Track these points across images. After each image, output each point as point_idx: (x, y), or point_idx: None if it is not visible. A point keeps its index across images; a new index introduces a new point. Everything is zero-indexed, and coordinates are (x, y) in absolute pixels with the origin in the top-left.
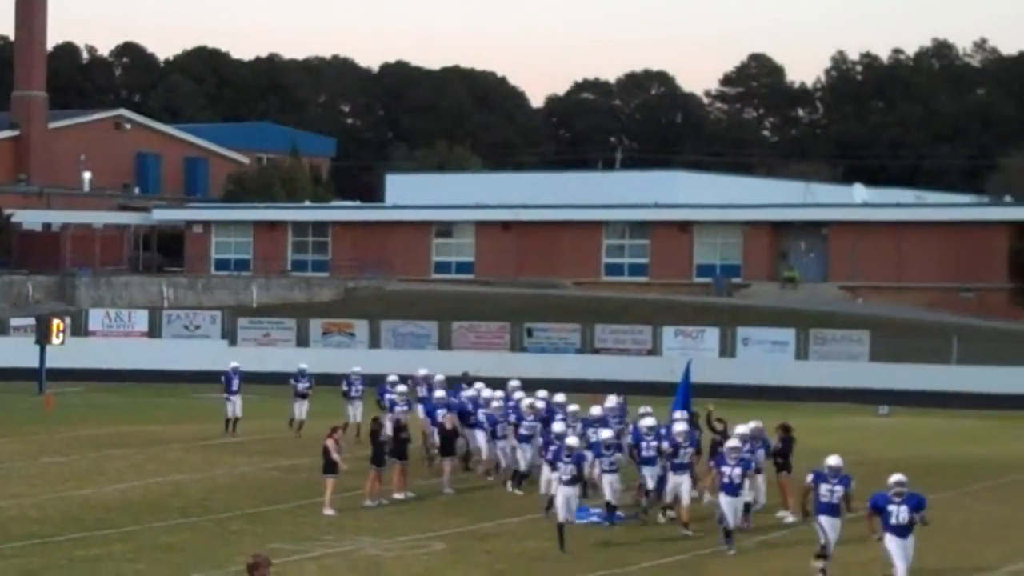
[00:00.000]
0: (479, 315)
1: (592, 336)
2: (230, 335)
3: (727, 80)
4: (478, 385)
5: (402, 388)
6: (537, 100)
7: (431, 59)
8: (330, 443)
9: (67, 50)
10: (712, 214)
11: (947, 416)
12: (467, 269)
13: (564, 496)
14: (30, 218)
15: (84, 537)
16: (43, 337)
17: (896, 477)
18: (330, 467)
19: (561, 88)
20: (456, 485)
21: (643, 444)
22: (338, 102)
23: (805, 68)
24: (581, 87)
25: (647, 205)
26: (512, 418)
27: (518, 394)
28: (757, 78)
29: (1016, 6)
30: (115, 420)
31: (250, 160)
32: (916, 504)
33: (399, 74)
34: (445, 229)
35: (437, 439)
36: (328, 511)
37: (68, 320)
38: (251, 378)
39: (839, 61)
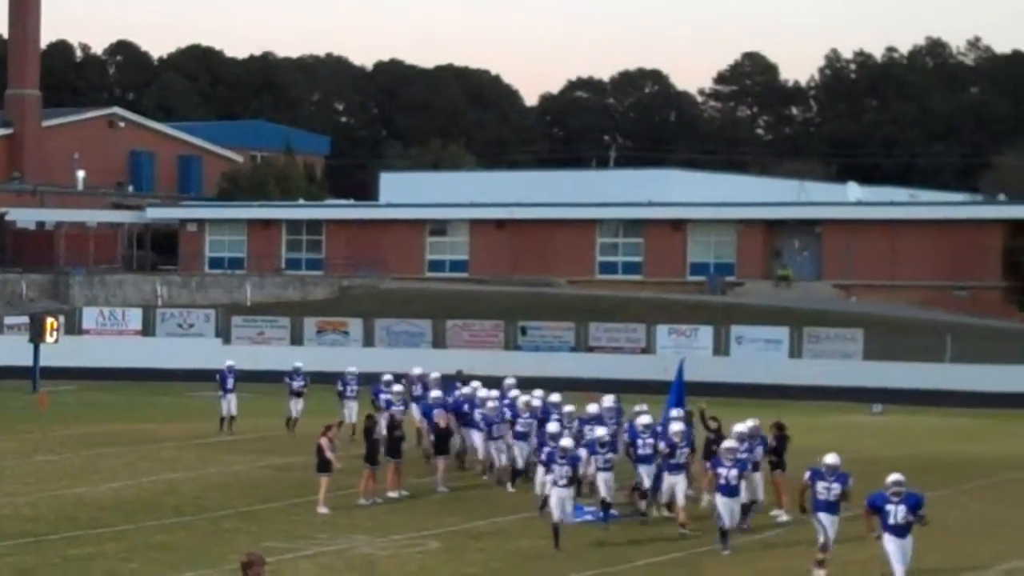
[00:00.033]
0: (473, 313)
1: (586, 334)
2: (224, 333)
3: (721, 78)
4: (474, 384)
5: (398, 388)
6: (531, 98)
7: (425, 57)
8: (324, 441)
9: (61, 48)
10: (706, 212)
11: (941, 414)
12: (461, 267)
13: (558, 498)
14: (24, 216)
15: (78, 536)
16: (37, 336)
17: (894, 477)
18: (324, 465)
19: (555, 86)
20: (450, 484)
21: (639, 442)
22: (332, 100)
23: (799, 66)
24: (575, 85)
25: (641, 203)
26: (508, 415)
27: (513, 392)
28: (751, 76)
29: (1009, 5)
30: (109, 418)
31: (244, 158)
32: (915, 503)
33: (393, 72)
34: (439, 227)
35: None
36: (322, 509)
37: (62, 319)
38: (245, 376)
39: (833, 59)
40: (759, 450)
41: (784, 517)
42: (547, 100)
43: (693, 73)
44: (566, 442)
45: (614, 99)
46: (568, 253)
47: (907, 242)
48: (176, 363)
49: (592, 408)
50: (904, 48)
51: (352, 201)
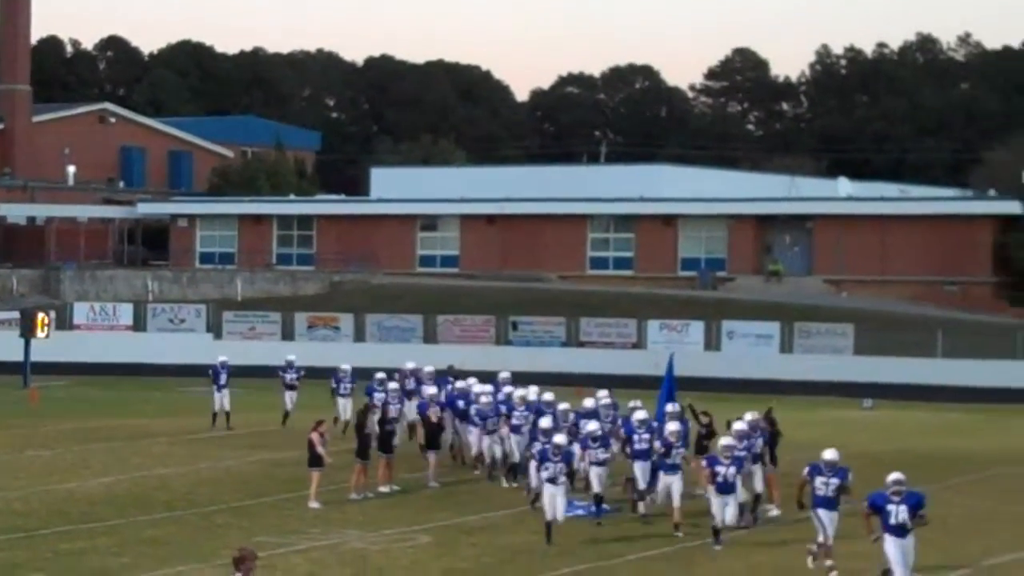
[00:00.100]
0: (464, 309)
1: (577, 329)
2: (215, 328)
3: (711, 74)
4: (470, 380)
5: (393, 385)
6: (522, 94)
7: (415, 53)
8: (315, 436)
9: (51, 44)
10: (697, 208)
11: (931, 409)
12: (452, 263)
13: (550, 495)
14: (14, 212)
15: (69, 530)
16: (28, 331)
17: (894, 476)
18: (315, 460)
19: (546, 82)
20: (442, 479)
21: (635, 437)
22: (323, 96)
23: (789, 62)
24: (566, 81)
25: (632, 199)
26: (503, 409)
27: (508, 388)
28: (741, 72)
29: (999, 1)
30: (100, 414)
31: (235, 154)
32: (916, 503)
33: (383, 68)
34: (430, 223)
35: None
36: (314, 504)
37: (53, 314)
38: (236, 371)
39: (823, 55)
40: (759, 442)
41: (775, 512)
42: (538, 96)
43: (684, 69)
44: (559, 438)
45: (605, 95)
46: (559, 248)
47: (898, 237)
48: (167, 358)
49: (588, 403)
50: (894, 44)
51: (343, 196)
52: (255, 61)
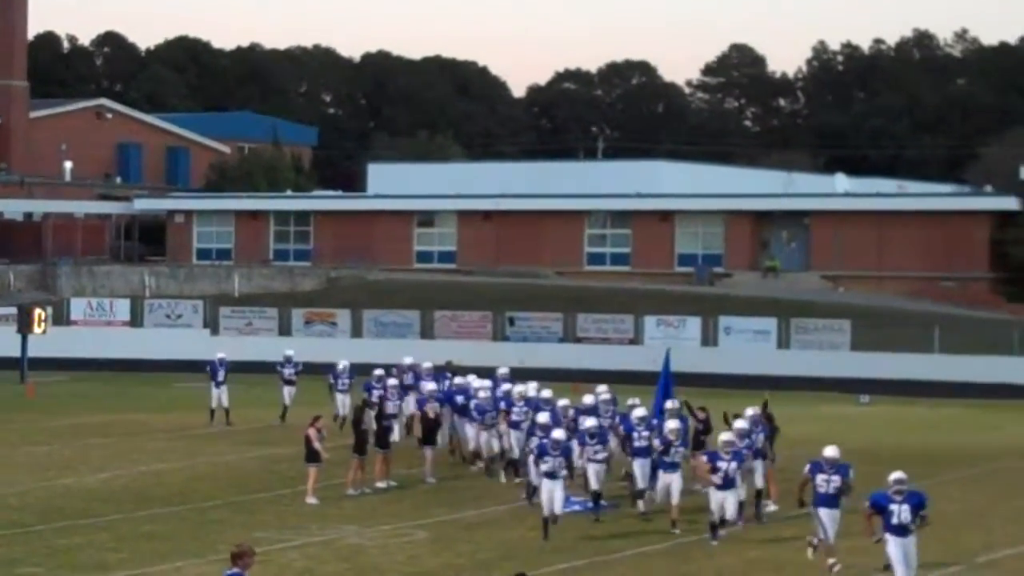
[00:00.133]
0: (461, 304)
1: (574, 325)
2: (212, 324)
3: (708, 70)
4: (470, 377)
5: (393, 381)
6: (519, 90)
7: (413, 49)
8: (312, 432)
9: (48, 39)
10: (694, 203)
11: (928, 405)
12: (449, 259)
13: (548, 489)
14: (11, 207)
15: (66, 526)
16: (24, 326)
17: (896, 475)
18: (312, 456)
19: (542, 78)
20: (439, 474)
21: (635, 435)
22: (320, 92)
23: (787, 58)
24: (562, 77)
25: (629, 195)
26: (502, 404)
27: (506, 385)
28: (738, 68)
29: None
30: (97, 409)
31: (231, 150)
32: (918, 503)
33: (381, 64)
34: (427, 218)
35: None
36: (311, 500)
37: (50, 309)
38: (233, 367)
39: (820, 51)
40: (760, 437)
41: (772, 507)
42: (535, 92)
43: (681, 65)
44: (558, 433)
45: (602, 91)
46: (556, 244)
47: (895, 233)
48: (164, 354)
49: (588, 399)
50: (891, 40)
51: (340, 192)
52: (252, 57)
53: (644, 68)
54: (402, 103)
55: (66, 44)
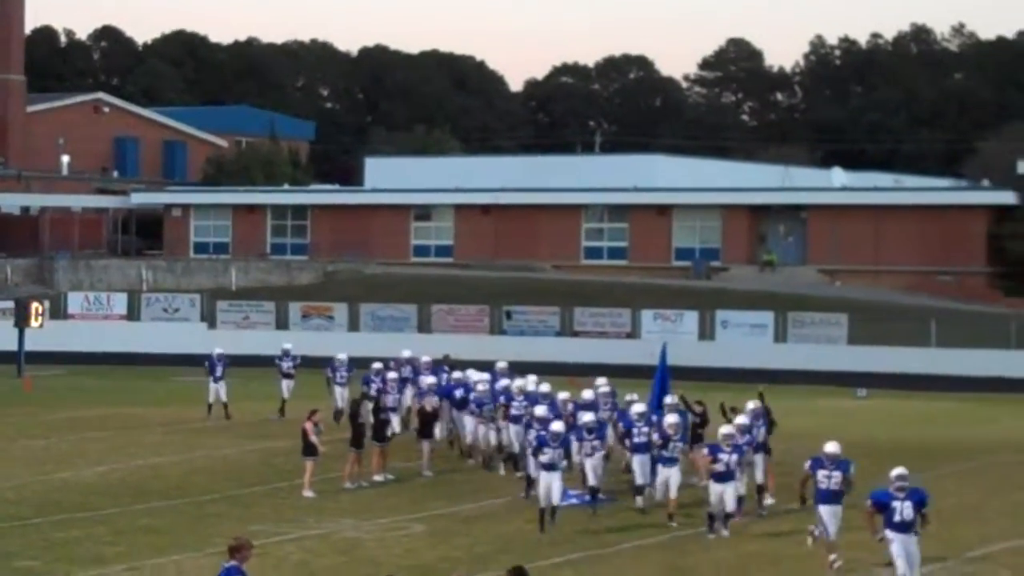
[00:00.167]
0: (458, 298)
1: (571, 319)
2: (209, 318)
3: (706, 64)
4: (469, 372)
5: (393, 375)
6: (516, 84)
7: (410, 43)
8: (308, 426)
9: (45, 34)
10: (691, 198)
11: (925, 399)
12: (446, 252)
13: (546, 482)
14: (8, 201)
15: (63, 519)
16: (22, 320)
17: (897, 471)
18: (309, 449)
19: (540, 72)
20: (436, 467)
21: (635, 431)
22: (317, 86)
23: (784, 52)
24: (560, 71)
25: (626, 189)
26: (502, 399)
27: (504, 380)
28: (736, 62)
29: None
30: (94, 403)
31: (229, 144)
32: (919, 500)
33: (378, 58)
34: (424, 213)
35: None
36: (308, 493)
37: (47, 303)
38: (230, 361)
39: (818, 45)
40: (761, 431)
41: (769, 500)
42: (532, 86)
43: (678, 59)
44: (557, 426)
45: (599, 85)
46: (553, 238)
47: (892, 227)
48: (161, 348)
49: (587, 394)
50: (889, 34)
51: (337, 186)
52: (249, 51)
53: (641, 62)
54: (399, 97)
55: (63, 38)
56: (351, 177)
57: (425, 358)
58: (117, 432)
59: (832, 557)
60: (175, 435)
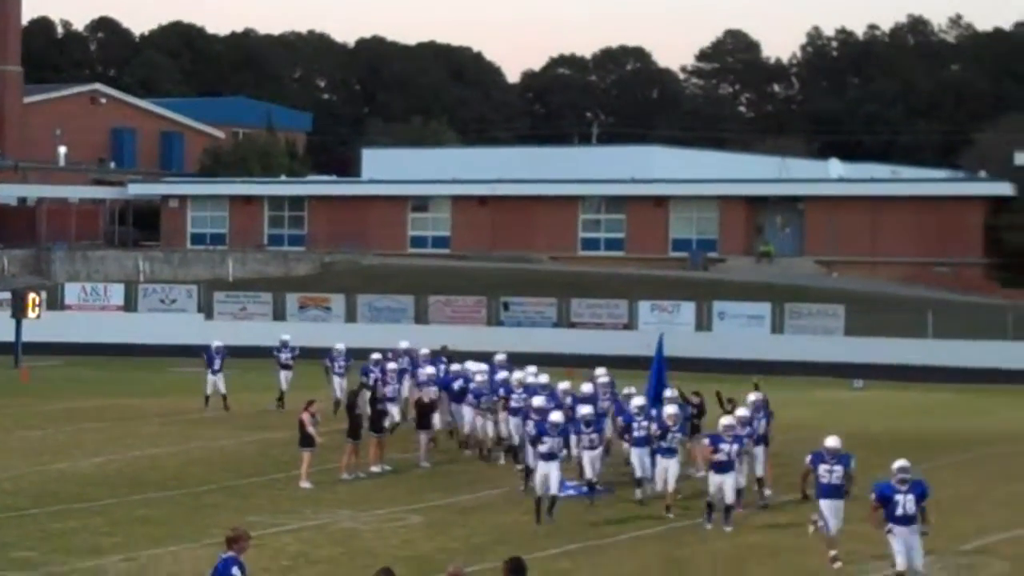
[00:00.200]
0: (455, 289)
1: (568, 310)
2: (206, 309)
3: (703, 56)
4: (468, 363)
5: (392, 366)
6: (513, 75)
7: (407, 34)
8: (305, 416)
9: (42, 25)
10: (688, 189)
11: (922, 390)
12: (443, 244)
13: (543, 472)
14: (5, 192)
15: (60, 510)
16: (19, 311)
17: (899, 463)
18: (306, 440)
19: (537, 63)
20: (433, 459)
21: (635, 424)
22: (314, 77)
23: (781, 44)
24: (557, 62)
25: (623, 180)
26: (501, 391)
27: (503, 372)
28: (733, 54)
29: None
30: (91, 394)
31: (226, 135)
32: (921, 493)
33: (375, 49)
34: (421, 204)
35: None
36: (305, 484)
37: (44, 294)
38: (227, 352)
39: (815, 37)
40: (763, 423)
41: (768, 492)
42: (529, 77)
43: (675, 50)
44: (556, 416)
45: (596, 76)
46: (550, 229)
47: (889, 218)
48: (158, 339)
49: (586, 387)
50: (886, 25)
51: (334, 177)
52: (246, 42)
53: (639, 54)
54: (396, 88)
55: (60, 29)
56: (348, 168)
57: (424, 350)
58: (114, 423)
59: (832, 554)
60: (172, 426)
